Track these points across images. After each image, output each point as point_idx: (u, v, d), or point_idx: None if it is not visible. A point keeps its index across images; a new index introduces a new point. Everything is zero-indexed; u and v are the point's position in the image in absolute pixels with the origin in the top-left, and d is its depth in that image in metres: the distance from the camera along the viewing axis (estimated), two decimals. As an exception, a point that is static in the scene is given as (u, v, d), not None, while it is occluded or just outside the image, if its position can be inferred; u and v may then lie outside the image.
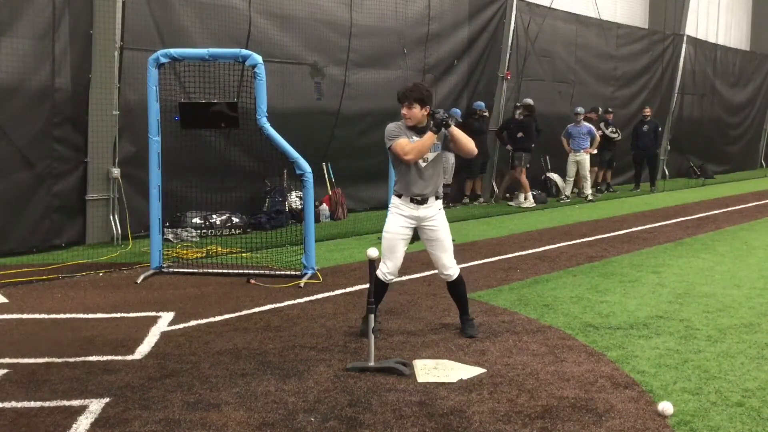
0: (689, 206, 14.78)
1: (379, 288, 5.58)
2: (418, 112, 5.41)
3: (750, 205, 15.17)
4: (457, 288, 5.74)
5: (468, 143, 5.55)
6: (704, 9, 22.66)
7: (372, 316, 4.88)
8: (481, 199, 15.08)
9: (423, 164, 5.46)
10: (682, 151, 21.17)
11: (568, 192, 15.79)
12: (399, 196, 5.55)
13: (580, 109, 15.46)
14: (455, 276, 5.67)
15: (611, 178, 18.15)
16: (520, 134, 14.34)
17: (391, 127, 5.52)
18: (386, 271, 5.57)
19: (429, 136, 5.36)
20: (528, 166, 14.57)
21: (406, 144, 5.39)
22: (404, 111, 5.46)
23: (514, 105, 15.01)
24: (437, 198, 5.57)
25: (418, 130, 5.46)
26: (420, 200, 5.49)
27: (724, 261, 8.81)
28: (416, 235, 5.69)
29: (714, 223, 12.32)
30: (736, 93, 24.23)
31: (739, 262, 8.72)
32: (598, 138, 15.66)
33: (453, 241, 5.74)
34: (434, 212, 5.54)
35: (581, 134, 15.34)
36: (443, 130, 5.39)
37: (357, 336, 5.63)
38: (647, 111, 18.13)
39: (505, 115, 15.14)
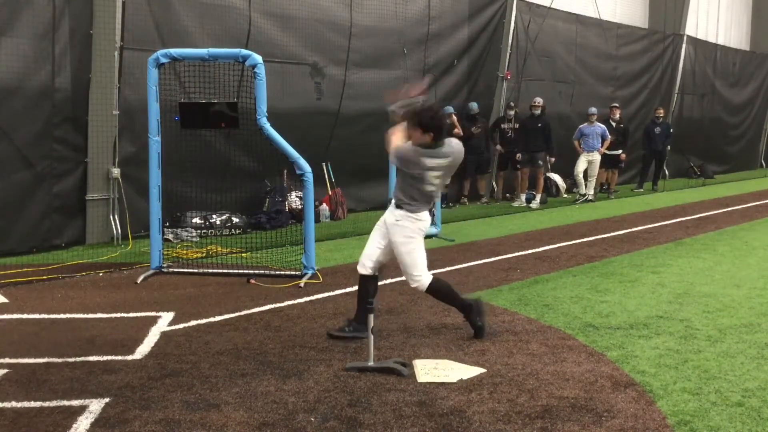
0: (689, 206, 14.77)
1: (364, 282, 5.59)
2: (418, 135, 5.21)
3: (750, 205, 15.16)
4: (434, 296, 5.65)
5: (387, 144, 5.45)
6: (704, 9, 22.64)
7: (371, 316, 4.88)
8: (484, 199, 15.06)
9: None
10: (682, 151, 21.16)
11: (591, 191, 15.61)
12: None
13: (593, 110, 15.50)
14: (422, 288, 5.51)
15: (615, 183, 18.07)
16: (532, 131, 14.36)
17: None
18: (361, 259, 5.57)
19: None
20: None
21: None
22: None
23: (507, 104, 14.94)
24: (397, 206, 5.40)
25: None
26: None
27: (724, 261, 8.81)
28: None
29: (714, 223, 12.32)
30: (736, 93, 24.21)
31: (739, 262, 8.72)
32: (610, 138, 15.69)
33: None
34: (392, 220, 5.42)
35: (595, 134, 15.38)
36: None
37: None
38: (660, 112, 18.04)
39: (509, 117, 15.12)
